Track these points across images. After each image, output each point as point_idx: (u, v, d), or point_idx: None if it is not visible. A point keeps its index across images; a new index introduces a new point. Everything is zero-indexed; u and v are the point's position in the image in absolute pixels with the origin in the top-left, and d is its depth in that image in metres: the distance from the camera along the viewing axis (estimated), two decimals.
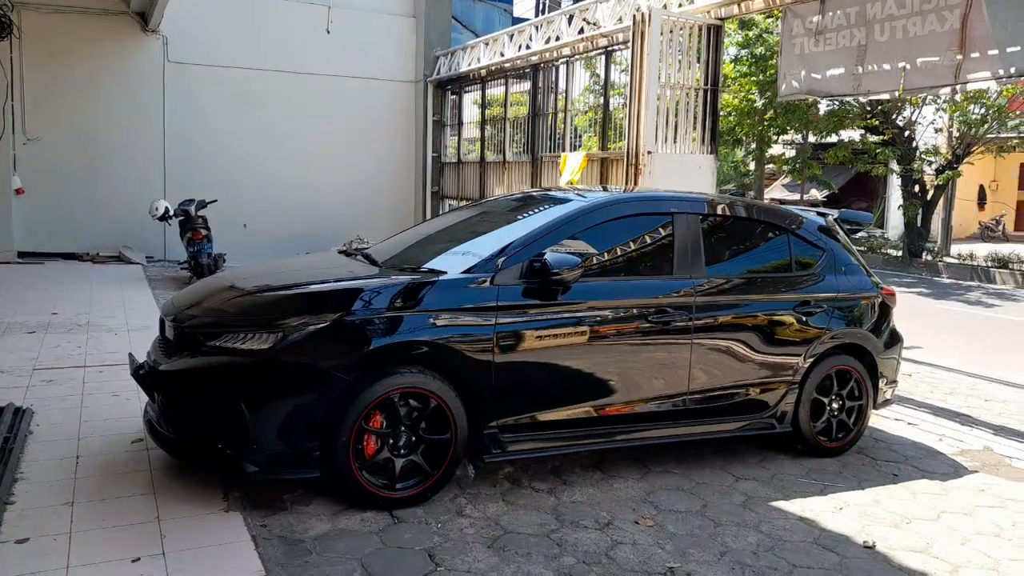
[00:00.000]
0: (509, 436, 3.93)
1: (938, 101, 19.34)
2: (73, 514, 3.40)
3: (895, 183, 23.07)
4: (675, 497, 4.10)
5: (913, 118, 19.16)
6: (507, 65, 11.99)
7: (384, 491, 3.65)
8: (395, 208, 14.74)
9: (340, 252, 4.84)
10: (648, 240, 4.50)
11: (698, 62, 7.90)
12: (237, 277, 4.24)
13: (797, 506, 4.08)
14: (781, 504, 4.10)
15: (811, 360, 4.76)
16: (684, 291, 4.36)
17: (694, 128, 7.87)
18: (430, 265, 4.11)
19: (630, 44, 7.74)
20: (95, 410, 4.84)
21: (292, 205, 13.86)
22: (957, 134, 19.10)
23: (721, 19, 7.86)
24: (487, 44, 12.63)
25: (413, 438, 3.72)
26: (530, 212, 4.69)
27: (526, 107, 12.23)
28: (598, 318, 4.10)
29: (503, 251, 3.99)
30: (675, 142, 7.73)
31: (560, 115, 11.13)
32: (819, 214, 5.31)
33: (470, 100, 14.11)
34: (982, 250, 18.56)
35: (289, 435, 3.49)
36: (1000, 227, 27.35)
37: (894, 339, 5.23)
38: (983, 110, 18.08)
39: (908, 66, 6.11)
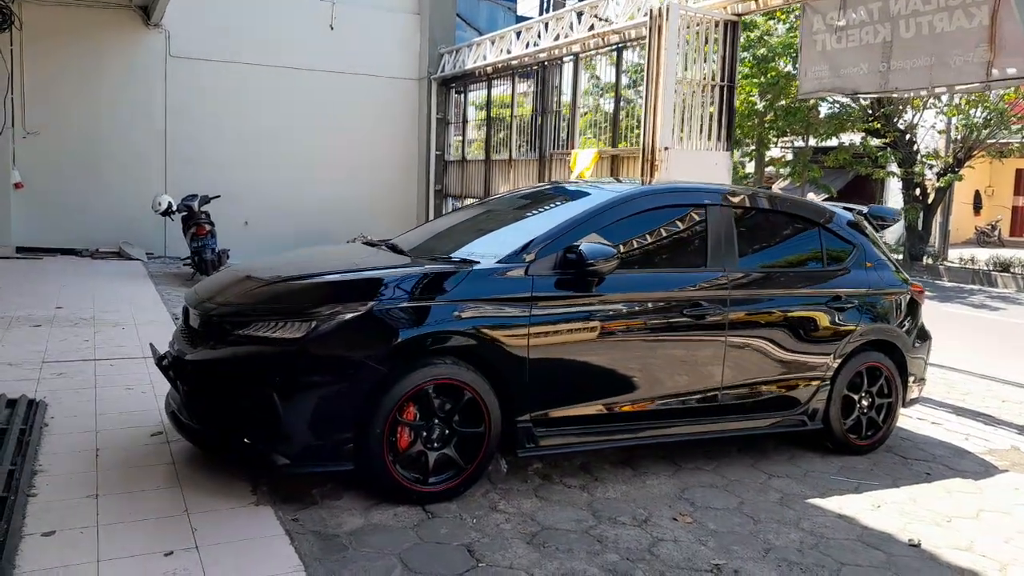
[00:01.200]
0: (542, 430, 3.83)
1: (939, 104, 19.39)
2: (99, 507, 3.28)
3: (893, 187, 23.12)
4: (710, 494, 4.01)
5: (914, 121, 19.19)
6: (514, 62, 11.90)
7: (417, 485, 3.55)
8: (398, 207, 14.63)
9: (364, 243, 4.72)
10: (681, 232, 4.42)
11: (714, 57, 7.83)
12: (253, 268, 4.12)
13: (834, 503, 3.99)
14: (818, 502, 4.01)
15: (842, 356, 4.68)
16: (718, 284, 4.28)
17: (710, 124, 7.80)
18: (460, 255, 4.01)
19: (647, 39, 7.66)
20: (110, 403, 4.71)
21: (294, 203, 13.72)
22: (959, 137, 19.11)
23: (738, 15, 7.79)
24: (493, 42, 12.54)
25: (446, 431, 3.62)
26: (554, 204, 4.60)
27: (531, 106, 12.14)
28: (632, 310, 4.01)
29: (536, 241, 3.89)
30: (691, 138, 7.66)
31: (569, 112, 11.05)
32: (847, 209, 5.25)
33: (475, 98, 14.02)
34: (979, 255, 18.58)
35: (321, 427, 3.38)
36: (996, 232, 27.42)
37: (923, 336, 5.16)
38: (984, 113, 18.09)
39: (936, 63, 6.05)
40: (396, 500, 3.54)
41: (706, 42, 7.81)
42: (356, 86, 14.25)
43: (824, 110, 21.11)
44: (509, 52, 11.92)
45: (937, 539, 3.65)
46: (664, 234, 4.38)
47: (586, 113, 11.66)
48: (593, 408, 3.96)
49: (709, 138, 7.79)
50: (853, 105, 20.18)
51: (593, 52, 10.39)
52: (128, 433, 4.20)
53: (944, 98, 19.61)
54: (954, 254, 19.83)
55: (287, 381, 3.35)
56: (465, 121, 14.21)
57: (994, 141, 19.71)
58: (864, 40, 6.63)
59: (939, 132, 20.60)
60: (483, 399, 3.64)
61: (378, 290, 3.52)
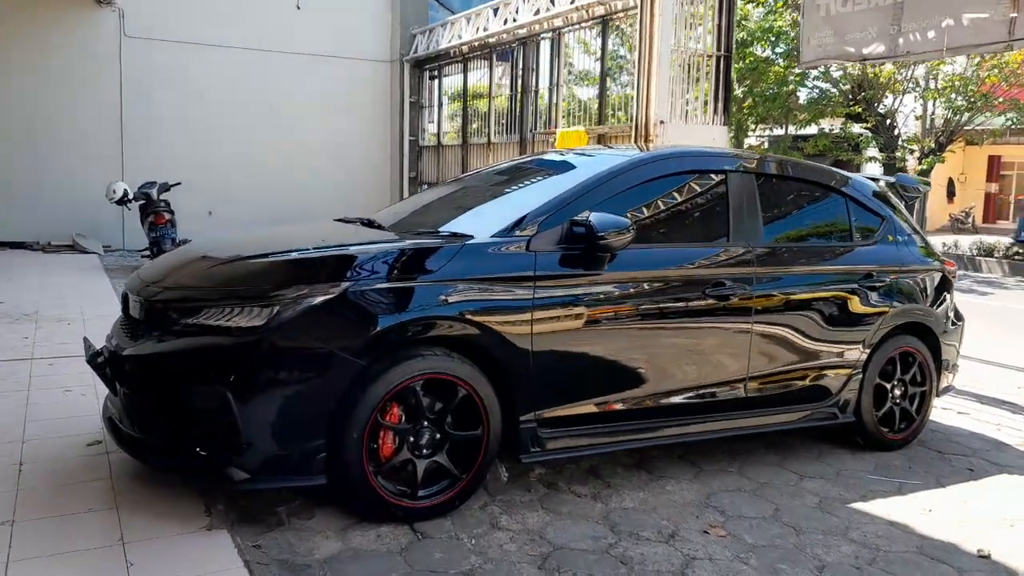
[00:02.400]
0: (549, 431, 3.28)
1: (918, 89, 19.15)
2: (12, 538, 2.68)
3: (872, 172, 22.88)
4: (739, 500, 3.50)
5: (895, 107, 18.93)
6: (491, 40, 11.33)
7: (404, 500, 2.99)
8: (370, 196, 13.97)
9: (337, 221, 4.14)
10: (700, 202, 3.89)
11: (709, 26, 7.32)
12: (210, 248, 3.52)
13: (880, 508, 3.50)
14: (861, 506, 3.51)
15: (875, 340, 4.19)
16: (743, 260, 3.76)
17: (706, 98, 7.29)
18: (450, 228, 3.44)
19: (638, 7, 7.13)
20: (43, 408, 4.08)
21: (259, 192, 13.02)
22: (941, 121, 18.89)
23: None
24: (469, 20, 11.95)
25: (438, 435, 3.06)
26: (548, 175, 4.04)
27: (510, 86, 11.57)
28: (648, 291, 3.47)
29: (537, 212, 3.34)
30: (686, 113, 7.15)
31: (551, 91, 10.50)
32: (871, 179, 4.76)
33: (450, 80, 13.41)
34: (961, 241, 18.38)
35: (287, 433, 2.81)
36: (970, 219, 27.40)
37: (957, 318, 4.70)
38: (965, 99, 17.86)
39: (952, 23, 5.58)
40: (379, 518, 2.98)
41: (701, 11, 7.30)
42: (324, 69, 13.57)
43: (803, 95, 20.83)
44: (486, 30, 11.34)
45: (1007, 548, 3.16)
46: (680, 204, 3.85)
47: (564, 101, 11.11)
48: (605, 405, 3.42)
49: (705, 112, 7.29)
50: (833, 90, 19.90)
51: (576, 27, 9.84)
52: (60, 443, 3.59)
53: (923, 83, 19.41)
54: (933, 240, 19.61)
55: (245, 379, 2.77)
56: (440, 104, 13.59)
57: (972, 128, 19.52)
58: (872, 2, 6.16)
59: (916, 117, 20.39)
60: (480, 397, 3.09)
61: (353, 268, 2.94)
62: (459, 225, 3.49)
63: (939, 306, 4.53)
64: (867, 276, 4.17)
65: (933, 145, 18.71)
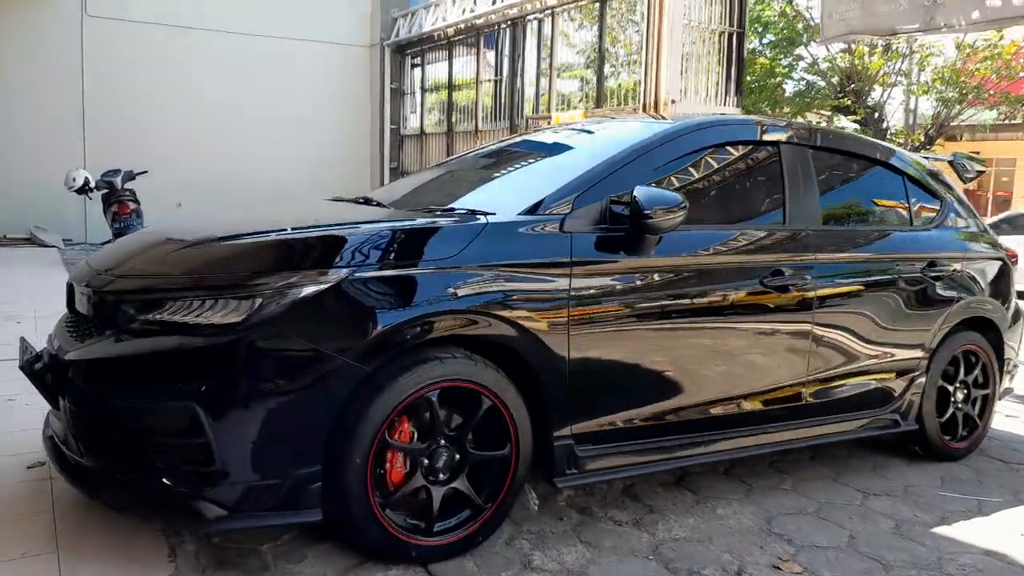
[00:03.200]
0: (587, 449, 2.74)
1: (906, 82, 18.90)
2: None
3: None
4: (805, 525, 2.98)
5: (883, 99, 18.66)
6: (479, 22, 10.75)
7: (417, 536, 2.43)
8: (350, 187, 13.30)
9: (329, 200, 3.56)
10: (751, 178, 3.37)
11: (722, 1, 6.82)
12: (176, 229, 2.91)
13: (968, 533, 3.01)
14: (945, 531, 3.02)
15: (940, 337, 3.71)
16: (802, 245, 3.24)
17: (718, 75, 6.79)
18: (465, 205, 2.88)
19: None
20: None
21: (232, 183, 12.29)
22: (932, 113, 18.63)
23: None
24: (454, 1, 11.35)
25: (457, 456, 2.50)
26: (572, 148, 3.49)
27: (498, 69, 11.01)
28: (699, 280, 2.94)
29: (571, 187, 2.79)
30: (697, 91, 6.64)
31: (541, 75, 9.96)
32: (924, 157, 4.28)
33: (434, 65, 12.79)
34: None
35: (273, 458, 2.24)
36: None
37: (1019, 312, 4.23)
38: (958, 92, 17.60)
39: None
40: (387, 559, 2.42)
41: None
42: (300, 53, 12.88)
43: (790, 88, 20.51)
44: (473, 11, 10.75)
45: None
46: (729, 180, 3.33)
47: (563, 75, 10.58)
48: (650, 416, 2.89)
49: (716, 91, 6.78)
50: (821, 82, 19.59)
51: (572, 5, 9.30)
52: None
53: (914, 75, 19.16)
54: None
55: (220, 390, 2.20)
56: (424, 90, 12.97)
57: (960, 122, 19.30)
58: None
59: (907, 110, 20.17)
60: (508, 408, 2.54)
61: (351, 251, 2.37)
62: (475, 202, 2.93)
63: (1003, 297, 4.05)
64: (930, 264, 3.68)
65: (923, 139, 18.44)
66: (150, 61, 11.80)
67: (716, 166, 3.26)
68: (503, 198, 2.92)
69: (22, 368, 2.61)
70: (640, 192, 2.70)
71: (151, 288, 2.40)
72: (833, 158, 3.63)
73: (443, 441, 2.47)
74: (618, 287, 2.74)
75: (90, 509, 2.62)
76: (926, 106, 19.53)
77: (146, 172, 9.92)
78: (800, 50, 19.49)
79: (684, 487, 3.29)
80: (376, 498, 2.35)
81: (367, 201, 3.31)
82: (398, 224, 2.59)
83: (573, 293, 2.63)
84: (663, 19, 6.35)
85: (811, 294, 3.21)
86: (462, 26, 11.10)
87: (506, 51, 10.70)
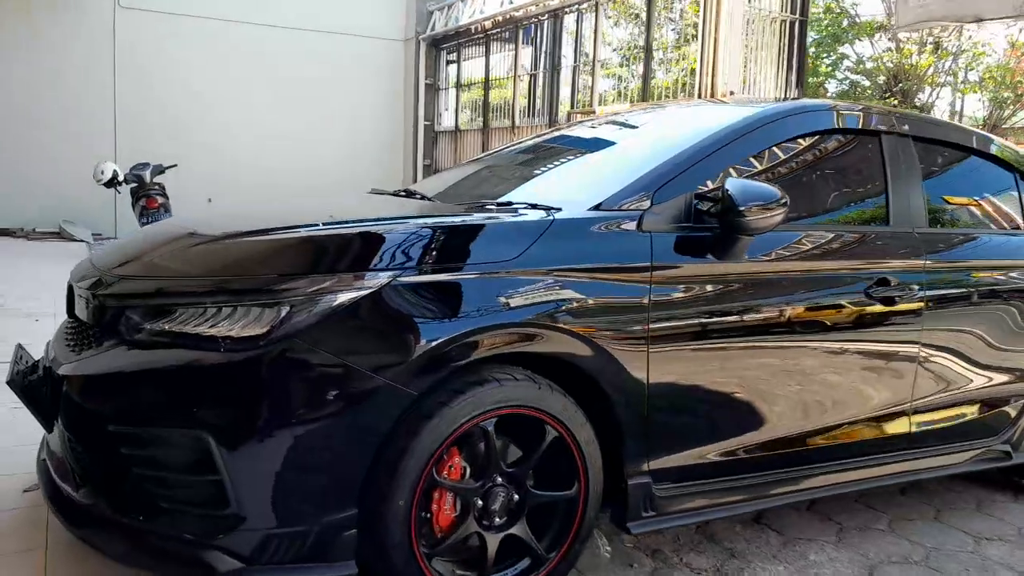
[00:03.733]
0: (667, 488, 2.33)
1: (954, 81, 18.21)
2: None
3: None
4: None
5: (932, 100, 17.99)
6: (518, 14, 10.37)
7: None
8: (382, 184, 12.86)
9: (367, 193, 3.19)
10: (850, 172, 2.94)
11: None
12: (203, 221, 2.56)
13: None
14: None
15: None
16: (910, 250, 2.80)
17: (778, 66, 6.33)
18: (522, 199, 2.48)
19: None
20: None
21: (263, 178, 12.03)
22: (984, 115, 17.92)
23: None
24: None
25: (515, 496, 2.11)
26: (641, 137, 3.08)
27: (535, 63, 10.62)
28: (796, 289, 2.52)
29: (647, 180, 2.38)
30: (756, 83, 6.18)
31: (579, 69, 9.55)
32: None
33: (471, 59, 12.44)
34: None
35: (300, 499, 1.86)
36: None
37: None
38: (1012, 91, 16.88)
39: None
40: None
41: None
42: (334, 47, 12.59)
43: (832, 87, 19.87)
44: (512, 2, 10.37)
45: None
46: (825, 174, 2.90)
47: (607, 68, 10.17)
48: (739, 449, 2.47)
49: (776, 83, 6.32)
50: (866, 82, 18.95)
51: None
52: None
53: (962, 74, 18.45)
54: None
55: (236, 417, 1.83)
56: (459, 86, 12.62)
57: (1010, 127, 18.55)
58: None
59: (953, 112, 19.45)
60: (576, 441, 2.14)
61: (395, 251, 1.99)
62: (532, 196, 2.52)
63: None
64: None
65: None
66: (182, 54, 11.57)
67: (810, 158, 2.83)
68: (565, 192, 2.52)
69: (10, 383, 2.26)
70: (733, 185, 2.28)
71: (160, 291, 2.04)
72: (938, 150, 3.18)
73: (500, 479, 2.08)
74: (704, 297, 2.33)
75: (89, 549, 2.26)
76: (975, 106, 18.79)
77: (175, 166, 9.66)
78: (845, 48, 18.89)
79: (766, 525, 2.87)
80: (421, 547, 1.97)
81: (409, 194, 2.93)
82: (450, 220, 2.21)
83: (653, 304, 2.22)
84: (721, 7, 5.91)
85: (919, 306, 2.77)
86: (500, 18, 10.72)
87: (546, 45, 10.31)
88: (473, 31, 11.52)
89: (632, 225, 2.26)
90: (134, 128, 11.31)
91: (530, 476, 2.12)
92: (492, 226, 2.15)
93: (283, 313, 1.85)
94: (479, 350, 2.01)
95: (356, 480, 1.89)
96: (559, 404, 2.11)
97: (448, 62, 12.94)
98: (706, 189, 2.39)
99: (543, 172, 2.98)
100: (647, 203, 2.30)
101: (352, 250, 2.01)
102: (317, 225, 2.11)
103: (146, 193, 8.94)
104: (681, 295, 2.29)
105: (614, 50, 11.52)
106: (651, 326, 2.21)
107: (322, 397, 1.86)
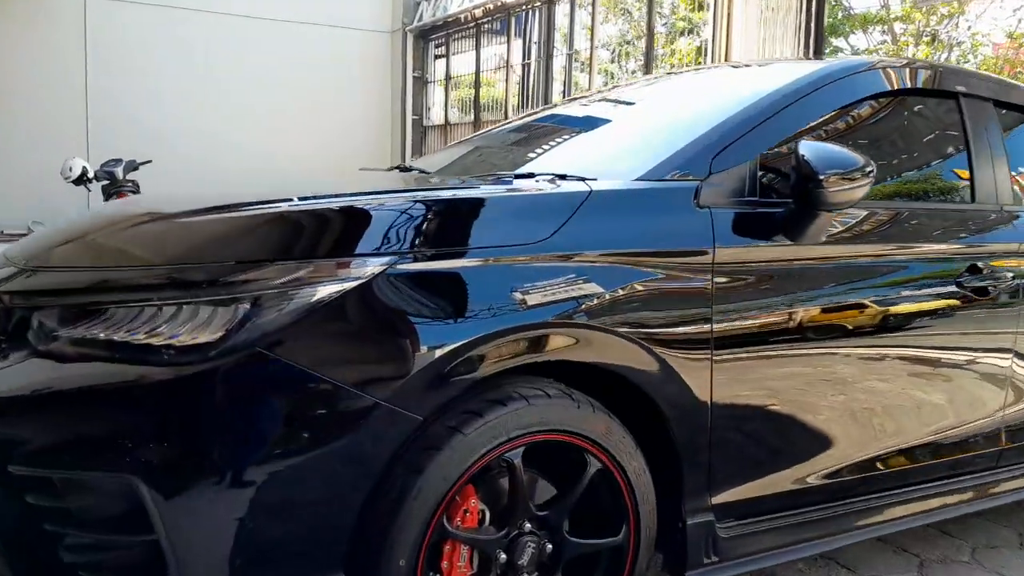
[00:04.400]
0: (732, 527, 1.86)
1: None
2: None
3: None
4: None
5: None
6: (510, 1, 9.89)
7: None
8: None
9: (358, 171, 2.71)
10: (928, 141, 2.49)
11: None
12: (169, 199, 2.03)
13: None
14: None
15: None
16: (1000, 231, 2.36)
17: (795, 39, 5.89)
18: (545, 169, 2.01)
19: None
20: None
21: (241, 176, 11.50)
22: None
23: None
24: None
25: (549, 547, 1.64)
26: (680, 98, 2.61)
27: (527, 52, 10.17)
28: (882, 280, 2.07)
29: (702, 144, 1.91)
30: (769, 57, 5.73)
31: (572, 58, 9.10)
32: None
33: (460, 50, 11.95)
34: None
35: (265, 565, 1.38)
36: None
37: None
38: None
39: None
40: None
41: None
42: (316, 39, 12.06)
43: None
44: None
45: None
46: (899, 143, 2.44)
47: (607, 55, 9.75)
48: (817, 475, 2.01)
49: (794, 56, 5.87)
50: None
51: None
52: None
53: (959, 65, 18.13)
54: None
55: (178, 454, 1.36)
56: (448, 78, 12.13)
57: None
58: None
59: None
60: (626, 473, 1.68)
61: (391, 233, 1.51)
62: (558, 166, 2.06)
63: None
64: None
65: None
66: (157, 46, 11.04)
67: (881, 124, 2.37)
68: (598, 162, 2.05)
69: None
70: (809, 149, 1.83)
71: (80, 287, 1.55)
72: (1019, 116, 2.73)
73: (529, 525, 1.61)
74: (777, 289, 1.87)
75: None
76: None
77: (150, 162, 9.11)
78: (839, 41, 18.57)
79: (832, 560, 2.41)
80: None
81: (405, 171, 2.46)
82: (462, 193, 1.74)
83: (717, 296, 1.76)
84: None
85: (1014, 298, 2.32)
86: (491, 7, 10.25)
87: (539, 35, 9.85)
88: (463, 20, 11.04)
89: (687, 198, 1.80)
90: (106, 123, 10.76)
91: (566, 520, 1.65)
92: (514, 200, 1.69)
93: (242, 312, 1.37)
94: (501, 359, 1.54)
95: (342, 535, 1.42)
96: (603, 427, 1.65)
97: (437, 57, 12.46)
98: (776, 154, 1.94)
99: (566, 141, 2.50)
100: (704, 172, 1.84)
101: (334, 230, 1.53)
102: (291, 200, 1.63)
103: (118, 190, 8.38)
104: (750, 286, 1.83)
105: (601, 46, 11.08)
106: (715, 327, 1.75)
107: (295, 425, 1.38)
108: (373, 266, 1.44)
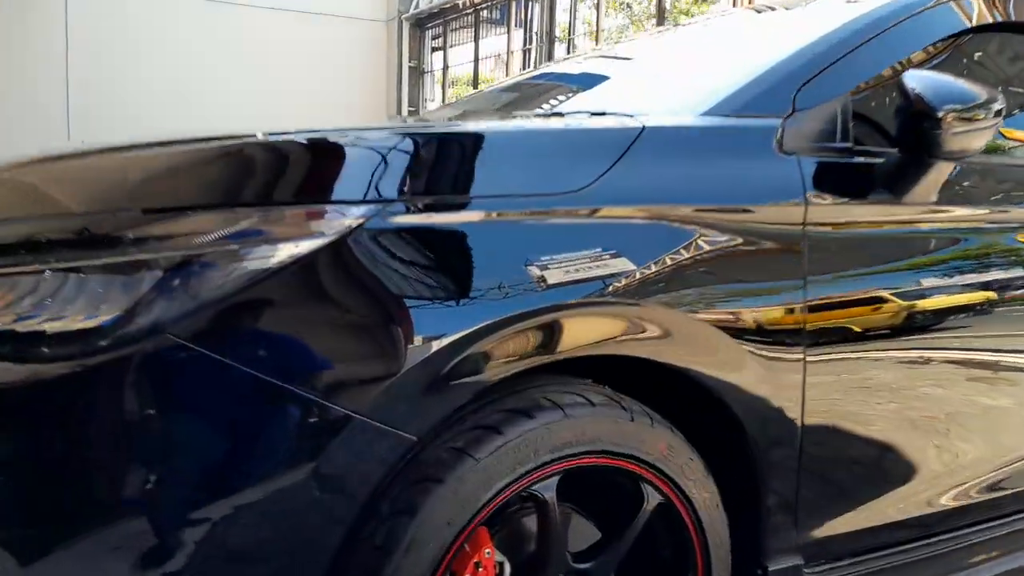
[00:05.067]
0: (824, 571, 1.42)
1: None
2: None
3: None
4: None
5: None
6: None
7: None
8: None
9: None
10: None
11: None
12: (100, 144, 1.53)
13: None
14: None
15: None
16: None
17: None
18: (578, 109, 1.57)
19: None
20: None
21: None
22: None
23: None
24: None
25: None
26: (753, 30, 2.16)
27: (526, 40, 9.77)
28: (994, 247, 1.63)
29: (782, 72, 1.46)
30: None
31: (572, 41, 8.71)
32: None
33: (459, 41, 11.53)
34: None
35: None
36: None
37: None
38: None
39: None
40: None
41: None
42: (308, 29, 11.65)
43: None
44: None
45: None
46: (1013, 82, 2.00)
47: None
48: (928, 498, 1.57)
49: None
50: None
51: None
52: None
53: None
54: None
55: (56, 488, 0.91)
56: (446, 68, 11.70)
57: None
58: None
59: None
60: (693, 507, 1.23)
61: (375, 176, 1.06)
62: (595, 105, 1.61)
63: None
64: None
65: None
66: (142, 34, 10.66)
67: (990, 61, 1.93)
68: (649, 96, 1.61)
69: None
70: (919, 81, 1.39)
71: None
72: None
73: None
74: (886, 262, 1.43)
75: None
76: None
77: None
78: None
79: None
80: None
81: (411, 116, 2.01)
82: (472, 126, 1.30)
83: (812, 271, 1.32)
84: None
85: None
86: None
87: (543, 23, 9.44)
88: (461, 6, 10.63)
89: (769, 141, 1.36)
90: (89, 114, 10.37)
91: (614, 575, 1.21)
92: (542, 135, 1.25)
93: (150, 282, 0.93)
94: (525, 354, 1.10)
95: None
96: (663, 445, 1.20)
97: (434, 49, 12.06)
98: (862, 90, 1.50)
99: (603, 82, 2.02)
100: (787, 107, 1.40)
101: (293, 170, 1.08)
102: (252, 135, 1.16)
103: None
104: (851, 258, 1.39)
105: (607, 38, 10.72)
106: (808, 313, 1.30)
107: (226, 451, 0.94)
108: (348, 218, 1.00)
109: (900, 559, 1.52)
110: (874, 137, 1.51)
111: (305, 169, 1.07)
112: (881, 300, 1.41)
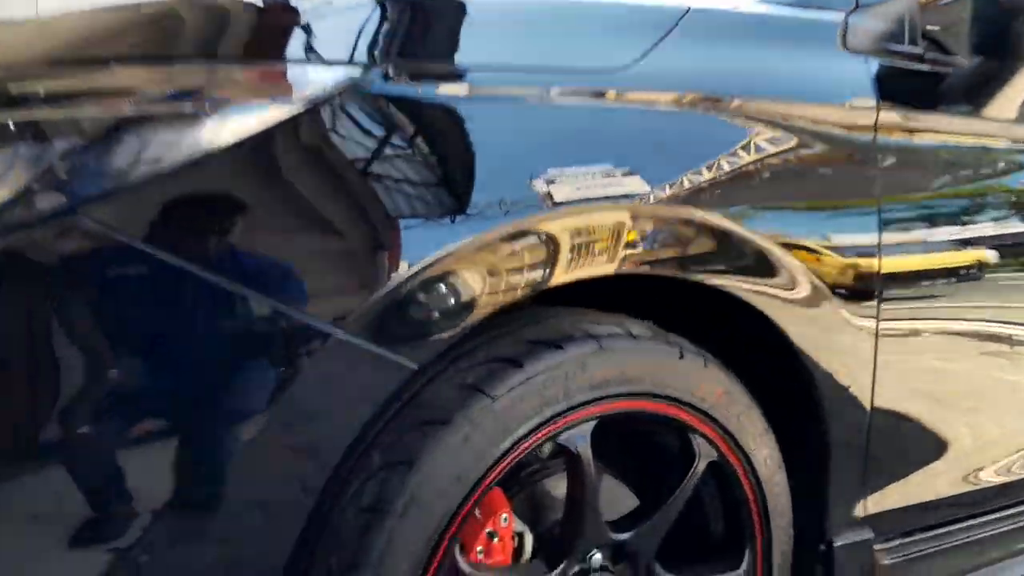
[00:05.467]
0: (896, 547, 1.20)
1: None
2: None
3: None
4: None
5: None
6: None
7: None
8: None
9: None
10: None
11: None
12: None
13: None
14: None
15: None
16: None
17: None
18: None
19: None
20: None
21: None
22: None
23: None
24: None
25: None
26: None
27: None
28: None
29: None
30: None
31: None
32: None
33: None
34: None
35: None
36: None
37: None
38: None
39: None
40: None
41: None
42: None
43: None
44: None
45: None
46: None
47: None
48: (1004, 467, 1.35)
49: None
50: None
51: None
52: None
53: None
54: None
55: None
56: None
57: None
58: None
59: None
60: (753, 467, 1.01)
61: (358, 31, 0.82)
62: None
63: None
64: None
65: None
66: None
67: None
68: None
69: None
70: None
71: None
72: None
73: (599, 557, 0.93)
74: (969, 184, 1.22)
75: None
76: None
77: None
78: None
79: None
80: None
81: None
82: None
83: (886, 192, 1.10)
84: None
85: None
86: None
87: None
88: None
89: (832, 36, 1.14)
90: None
91: (657, 546, 0.98)
92: (575, 3, 1.01)
93: (59, 151, 0.69)
94: (551, 270, 0.87)
95: None
96: (719, 390, 0.98)
97: None
98: None
99: None
100: (851, 2, 1.17)
101: (255, 16, 0.84)
102: None
103: None
104: (930, 178, 1.17)
105: None
106: (882, 255, 1.08)
107: (168, 375, 0.71)
108: (329, 81, 0.77)
109: (979, 532, 1.30)
110: (946, 44, 1.29)
111: (262, 19, 0.84)
112: (963, 233, 1.20)
